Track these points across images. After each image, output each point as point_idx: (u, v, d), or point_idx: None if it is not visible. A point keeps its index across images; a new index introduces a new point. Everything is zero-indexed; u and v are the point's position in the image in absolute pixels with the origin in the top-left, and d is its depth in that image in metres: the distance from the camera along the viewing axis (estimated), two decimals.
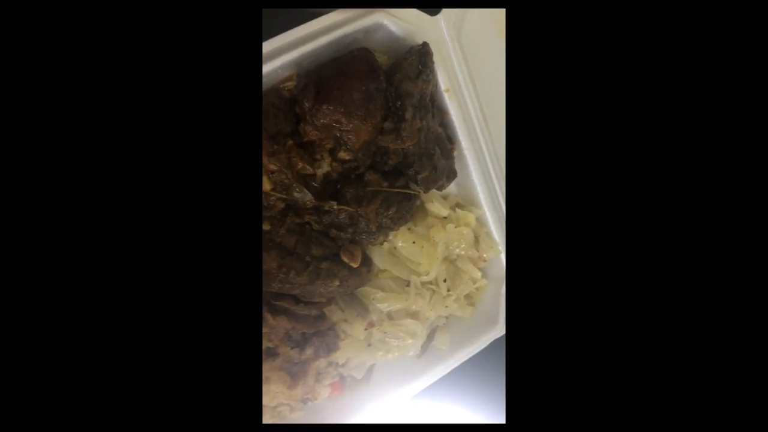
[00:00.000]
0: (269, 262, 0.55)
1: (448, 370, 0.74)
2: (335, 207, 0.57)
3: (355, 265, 0.61)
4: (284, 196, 0.54)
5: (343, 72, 0.52)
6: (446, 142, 0.63)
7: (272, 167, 0.52)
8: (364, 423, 0.70)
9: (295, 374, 0.64)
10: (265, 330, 0.60)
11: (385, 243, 0.66)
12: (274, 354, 0.63)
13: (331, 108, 0.51)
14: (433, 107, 0.60)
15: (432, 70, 0.57)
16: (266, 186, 0.53)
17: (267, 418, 0.66)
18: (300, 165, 0.54)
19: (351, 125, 0.52)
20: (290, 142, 0.53)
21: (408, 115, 0.55)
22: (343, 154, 0.55)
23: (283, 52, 0.53)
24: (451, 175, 0.63)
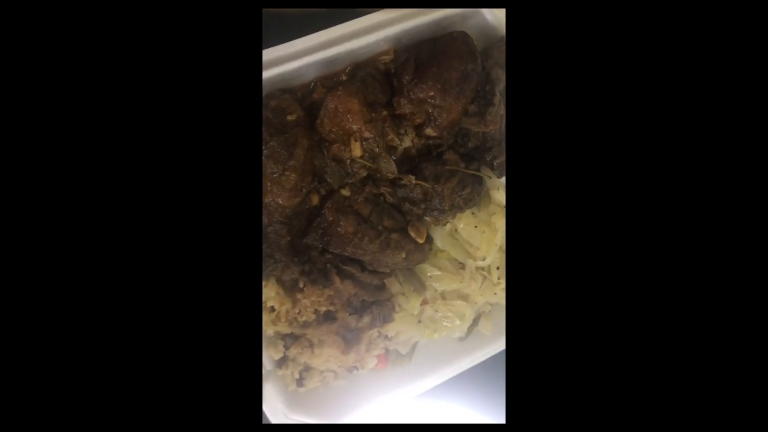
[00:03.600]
0: (346, 226, 0.57)
1: (489, 355, 0.76)
2: (413, 181, 0.59)
3: (421, 241, 0.63)
4: (370, 164, 0.56)
5: (442, 51, 0.54)
6: None
7: (367, 134, 0.54)
8: (365, 423, 0.70)
9: (349, 341, 0.66)
10: (329, 293, 0.61)
11: (447, 224, 0.68)
12: (332, 318, 0.64)
13: (429, 83, 0.53)
14: None
15: None
16: (357, 152, 0.55)
17: (315, 381, 0.68)
18: (390, 136, 0.56)
19: (444, 102, 0.54)
20: (385, 113, 0.55)
21: (496, 100, 0.57)
22: (429, 131, 0.57)
23: (384, 27, 0.55)
24: None
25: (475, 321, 0.75)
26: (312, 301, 0.61)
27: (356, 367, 0.70)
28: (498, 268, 0.72)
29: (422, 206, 0.61)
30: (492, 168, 0.62)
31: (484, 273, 0.72)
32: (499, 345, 0.76)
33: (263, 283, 0.59)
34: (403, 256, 0.62)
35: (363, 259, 0.61)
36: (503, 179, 0.69)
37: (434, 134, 0.57)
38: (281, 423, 0.66)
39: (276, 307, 0.61)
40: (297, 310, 0.62)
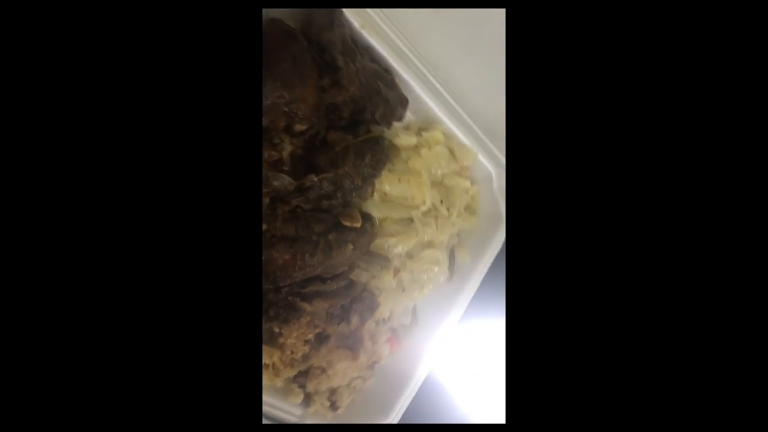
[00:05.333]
0: (281, 255, 0.56)
1: (480, 279, 0.77)
2: (316, 179, 0.57)
3: (358, 225, 0.62)
4: (265, 189, 0.54)
5: (264, 50, 0.51)
6: (384, 74, 0.63)
7: None
8: (366, 423, 0.70)
9: (352, 346, 0.65)
10: (306, 320, 0.60)
11: (375, 193, 0.67)
12: (325, 337, 0.64)
13: (270, 86, 0.51)
14: (357, 47, 0.60)
15: (341, 13, 0.57)
16: None
17: (347, 397, 0.68)
18: (266, 154, 0.54)
19: (294, 95, 0.52)
20: None
21: (340, 62, 0.55)
22: (299, 126, 0.55)
23: None
24: (404, 102, 0.64)
25: (452, 257, 0.76)
26: (296, 336, 0.60)
27: (375, 362, 0.70)
28: (442, 202, 0.72)
29: (339, 195, 0.59)
30: (379, 123, 0.61)
31: (434, 213, 0.72)
32: (485, 263, 0.77)
33: None
34: (351, 247, 0.61)
35: (317, 273, 0.60)
36: (397, 123, 0.68)
37: (304, 127, 0.55)
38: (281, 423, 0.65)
39: (267, 362, 0.60)
40: (289, 352, 0.61)
